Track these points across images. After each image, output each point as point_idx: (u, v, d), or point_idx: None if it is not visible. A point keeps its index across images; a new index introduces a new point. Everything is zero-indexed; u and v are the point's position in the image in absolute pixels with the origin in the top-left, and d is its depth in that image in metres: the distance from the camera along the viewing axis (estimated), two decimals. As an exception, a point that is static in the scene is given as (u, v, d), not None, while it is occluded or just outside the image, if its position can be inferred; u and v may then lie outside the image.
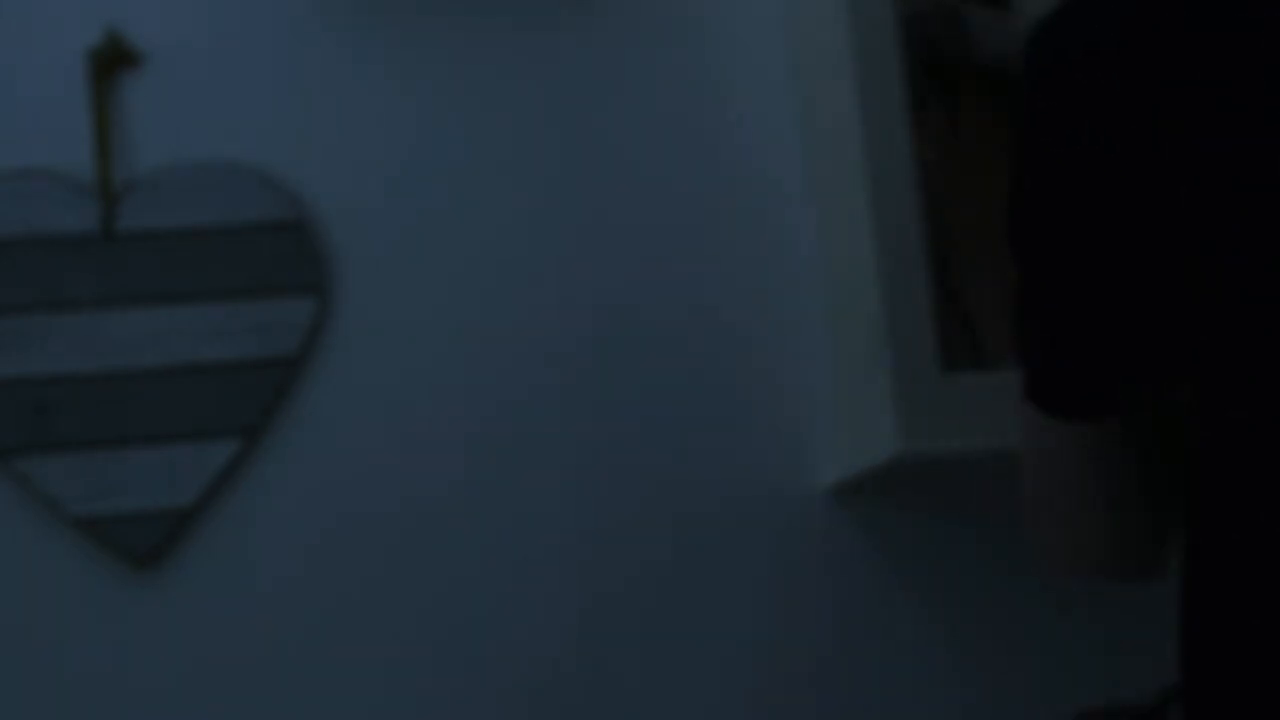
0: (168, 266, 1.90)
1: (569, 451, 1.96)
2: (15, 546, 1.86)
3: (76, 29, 1.95)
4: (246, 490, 1.90)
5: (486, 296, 1.97)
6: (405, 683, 1.89)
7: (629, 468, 1.97)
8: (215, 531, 1.89)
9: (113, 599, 1.87)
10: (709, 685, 1.94)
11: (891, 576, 1.99)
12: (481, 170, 2.00)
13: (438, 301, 1.97)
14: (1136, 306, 1.09)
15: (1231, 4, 1.05)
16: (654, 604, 1.95)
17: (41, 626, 1.85)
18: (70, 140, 1.93)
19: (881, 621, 1.98)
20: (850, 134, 1.89)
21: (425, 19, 2.02)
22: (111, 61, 1.94)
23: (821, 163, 1.98)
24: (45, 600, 1.86)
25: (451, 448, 1.94)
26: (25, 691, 1.84)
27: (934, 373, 1.82)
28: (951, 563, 2.00)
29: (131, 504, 1.86)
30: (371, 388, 1.94)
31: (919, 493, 2.01)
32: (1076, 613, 2.02)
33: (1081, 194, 1.09)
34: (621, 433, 1.97)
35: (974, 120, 1.97)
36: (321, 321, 1.94)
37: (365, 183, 1.97)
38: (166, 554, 1.88)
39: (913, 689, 1.97)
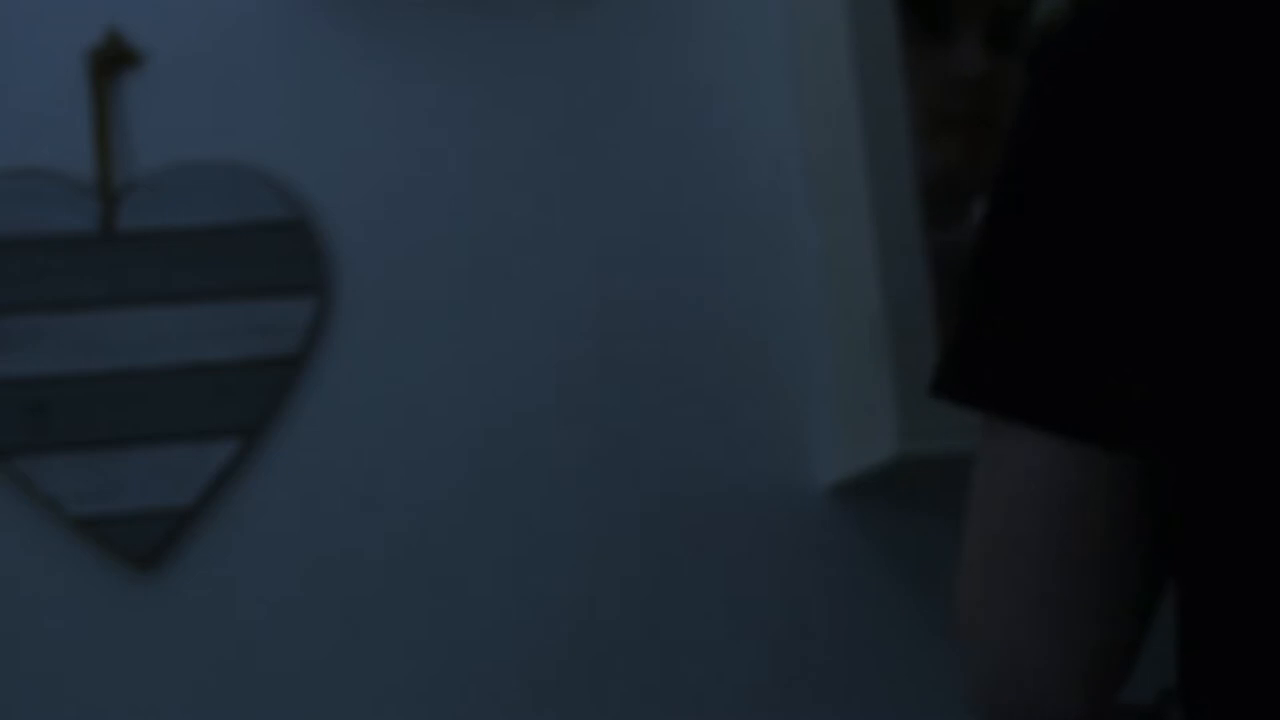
0: (168, 266, 1.90)
1: (569, 451, 1.96)
2: (15, 546, 1.86)
3: (76, 29, 1.95)
4: (246, 490, 1.90)
5: (486, 296, 1.97)
6: (405, 682, 1.89)
7: (629, 468, 1.96)
8: (215, 531, 1.89)
9: (113, 599, 1.86)
10: (709, 685, 1.94)
11: (891, 576, 1.99)
12: (481, 170, 2.00)
13: (438, 301, 1.96)
14: (1136, 306, 1.09)
15: (1233, 4, 1.05)
16: (654, 604, 1.95)
17: (41, 626, 1.85)
18: (70, 140, 1.93)
19: (881, 621, 1.98)
20: (850, 135, 1.89)
21: (426, 19, 2.01)
22: (111, 61, 1.94)
23: (822, 164, 1.98)
24: (45, 600, 1.86)
25: (452, 448, 1.94)
26: (25, 691, 1.84)
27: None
28: (951, 563, 2.00)
29: (131, 504, 1.86)
30: (371, 388, 1.94)
31: (919, 493, 2.01)
32: (1076, 613, 2.02)
33: (1081, 194, 1.09)
34: (622, 433, 1.97)
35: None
36: (321, 321, 1.94)
37: (365, 183, 1.97)
38: (166, 554, 1.88)
39: (913, 689, 1.97)
